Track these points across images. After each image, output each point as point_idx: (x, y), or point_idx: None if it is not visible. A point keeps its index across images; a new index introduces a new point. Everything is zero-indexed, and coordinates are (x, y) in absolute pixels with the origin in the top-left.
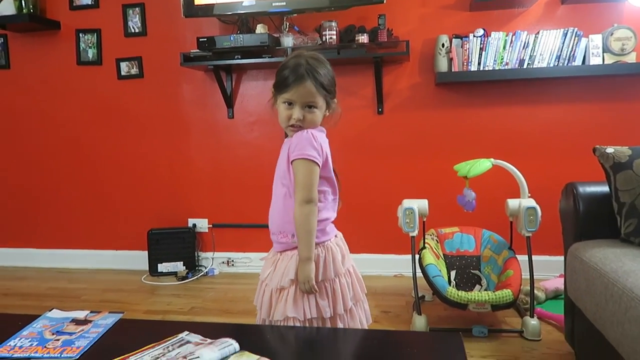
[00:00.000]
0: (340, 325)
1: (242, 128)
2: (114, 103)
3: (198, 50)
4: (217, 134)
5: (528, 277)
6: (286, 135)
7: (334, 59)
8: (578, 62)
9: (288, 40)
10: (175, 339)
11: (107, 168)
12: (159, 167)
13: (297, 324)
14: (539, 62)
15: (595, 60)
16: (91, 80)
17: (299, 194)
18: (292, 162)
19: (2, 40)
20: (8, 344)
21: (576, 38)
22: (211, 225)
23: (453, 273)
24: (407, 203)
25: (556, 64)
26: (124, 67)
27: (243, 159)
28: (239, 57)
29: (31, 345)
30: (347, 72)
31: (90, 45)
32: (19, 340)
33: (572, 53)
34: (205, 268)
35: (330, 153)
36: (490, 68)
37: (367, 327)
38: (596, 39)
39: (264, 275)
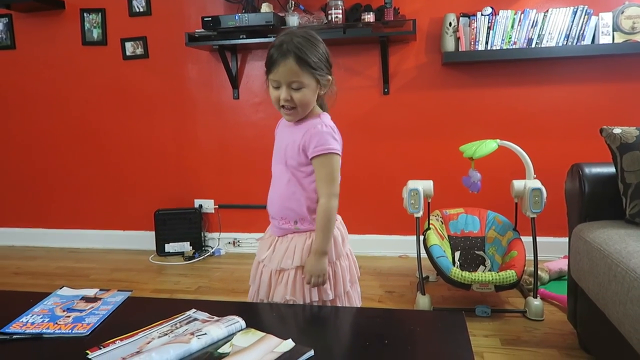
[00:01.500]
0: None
1: (247, 109)
2: (120, 83)
3: (203, 30)
4: (223, 114)
5: (532, 258)
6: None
7: (339, 39)
8: (587, 41)
9: (293, 20)
10: (182, 317)
11: (113, 149)
12: (165, 148)
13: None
14: (547, 41)
15: (605, 39)
16: (96, 60)
17: (327, 189)
18: (314, 157)
19: (7, 20)
20: (20, 320)
21: (586, 16)
22: (217, 206)
23: (457, 254)
24: (412, 184)
25: (565, 43)
26: (129, 47)
27: (249, 139)
28: (244, 36)
29: (43, 321)
30: (352, 51)
31: (95, 25)
32: (31, 316)
33: (581, 32)
34: (212, 248)
35: None
36: (498, 47)
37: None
38: (606, 17)
39: (261, 256)
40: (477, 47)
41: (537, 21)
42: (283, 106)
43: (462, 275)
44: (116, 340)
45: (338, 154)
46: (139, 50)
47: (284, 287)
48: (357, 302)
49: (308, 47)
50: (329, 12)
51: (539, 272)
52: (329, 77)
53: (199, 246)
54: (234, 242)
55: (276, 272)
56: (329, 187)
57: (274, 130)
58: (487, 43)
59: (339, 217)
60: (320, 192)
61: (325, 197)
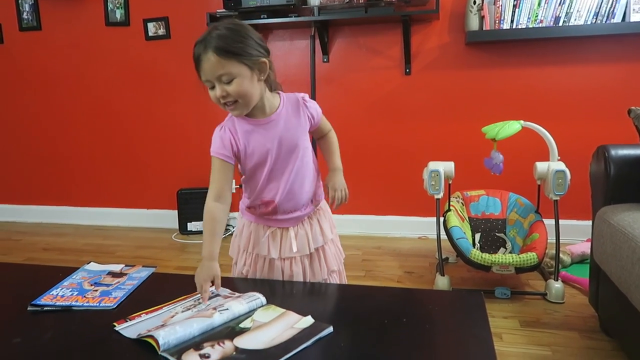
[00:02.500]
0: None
1: None
2: (143, 64)
3: (224, 10)
4: None
5: (554, 241)
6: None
7: (360, 18)
8: (617, 19)
9: (315, 0)
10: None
11: (137, 129)
12: (187, 127)
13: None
14: (575, 20)
15: (635, 17)
16: (120, 41)
17: (328, 124)
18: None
19: (33, 2)
20: (51, 293)
21: None
22: (238, 186)
23: (478, 236)
24: (432, 165)
25: (594, 22)
26: (151, 27)
27: None
28: (265, 16)
29: (72, 294)
30: (374, 31)
31: (118, 5)
32: (61, 289)
33: (611, 9)
34: (233, 227)
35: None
36: (524, 26)
37: None
38: None
39: (275, 253)
40: (502, 25)
41: None
42: (225, 104)
43: (482, 257)
44: (141, 313)
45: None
46: (161, 31)
47: (321, 264)
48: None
49: (227, 35)
50: None
51: (561, 255)
52: (263, 60)
53: None
54: None
55: (307, 257)
56: (326, 124)
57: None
58: (512, 22)
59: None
60: (326, 129)
61: (329, 131)
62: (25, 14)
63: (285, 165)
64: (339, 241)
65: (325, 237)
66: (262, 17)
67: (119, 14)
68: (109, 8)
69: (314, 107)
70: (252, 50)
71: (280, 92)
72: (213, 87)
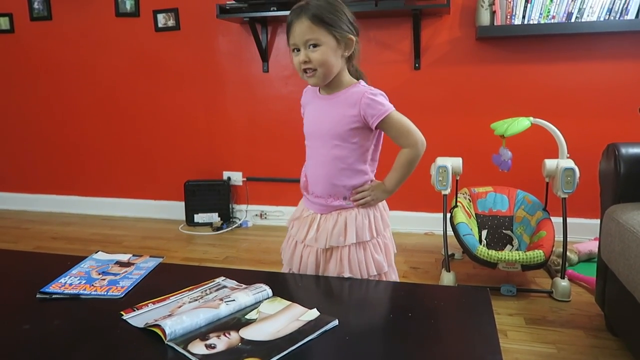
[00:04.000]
0: (384, 279)
1: (277, 82)
2: (152, 55)
3: (234, 2)
4: (252, 87)
5: (561, 239)
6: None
7: (371, 12)
8: (631, 15)
9: None
10: (212, 284)
11: (146, 120)
12: (195, 120)
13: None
14: (588, 16)
15: None
16: (129, 32)
17: (406, 140)
18: (378, 124)
19: None
20: (59, 281)
21: None
22: (245, 179)
23: (484, 232)
24: (440, 161)
25: (607, 18)
26: (161, 19)
27: (278, 113)
28: (275, 8)
29: (80, 283)
30: (384, 25)
31: None
32: (69, 278)
33: (625, 6)
34: (239, 220)
35: None
36: (536, 22)
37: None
38: None
39: (301, 236)
40: (513, 21)
41: None
42: (305, 71)
43: (488, 254)
44: (149, 303)
45: (395, 110)
46: (171, 22)
47: (337, 264)
48: (395, 276)
49: (324, 6)
50: None
51: (568, 253)
52: (351, 37)
53: (227, 217)
54: (261, 214)
55: (324, 251)
56: (406, 139)
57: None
58: (524, 17)
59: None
60: (403, 143)
61: (409, 148)
62: (36, 3)
63: (320, 147)
64: (380, 252)
65: (347, 240)
66: (272, 9)
67: (129, 5)
68: None
69: (375, 108)
70: (343, 25)
71: (361, 81)
72: (298, 51)
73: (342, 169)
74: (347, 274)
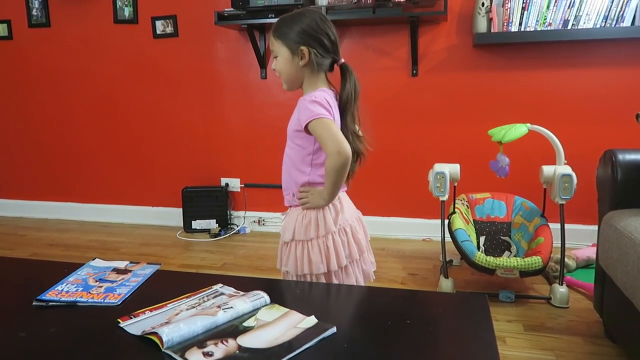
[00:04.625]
0: (335, 281)
1: (274, 89)
2: (150, 62)
3: (232, 9)
4: (250, 94)
5: (559, 245)
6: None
7: (368, 19)
8: (627, 23)
9: None
10: (210, 290)
11: (143, 127)
12: (193, 126)
13: (291, 279)
14: (584, 23)
15: None
16: (128, 39)
17: (328, 148)
18: (306, 128)
19: None
20: (56, 289)
21: None
22: (243, 185)
23: (482, 239)
24: (438, 167)
25: (603, 25)
26: (159, 25)
27: (275, 119)
28: (273, 15)
29: (77, 290)
30: (381, 32)
31: (126, 3)
32: (66, 285)
33: (621, 13)
34: (237, 226)
35: (338, 116)
36: (532, 29)
37: (363, 285)
38: None
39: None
40: (510, 28)
41: (574, 1)
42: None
43: (486, 260)
44: (146, 310)
45: (325, 117)
46: (169, 29)
47: (282, 259)
48: (360, 279)
49: (284, 19)
50: None
51: (566, 260)
52: (302, 47)
53: (224, 224)
54: (258, 220)
55: (284, 244)
56: (325, 147)
57: None
58: (520, 24)
59: (344, 197)
60: (326, 149)
61: (328, 157)
62: (34, 10)
63: (286, 145)
64: (319, 254)
65: (286, 236)
66: (269, 16)
67: (127, 12)
68: (118, 5)
69: (304, 113)
70: (294, 36)
71: (324, 88)
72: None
73: (290, 167)
74: (283, 269)
